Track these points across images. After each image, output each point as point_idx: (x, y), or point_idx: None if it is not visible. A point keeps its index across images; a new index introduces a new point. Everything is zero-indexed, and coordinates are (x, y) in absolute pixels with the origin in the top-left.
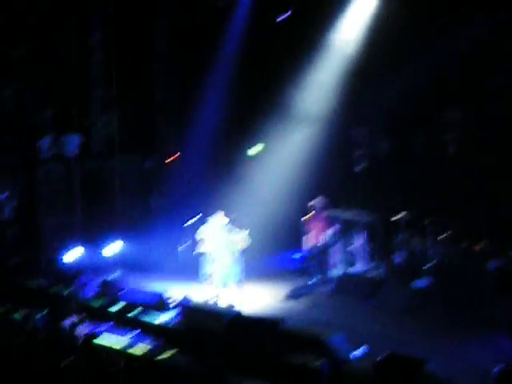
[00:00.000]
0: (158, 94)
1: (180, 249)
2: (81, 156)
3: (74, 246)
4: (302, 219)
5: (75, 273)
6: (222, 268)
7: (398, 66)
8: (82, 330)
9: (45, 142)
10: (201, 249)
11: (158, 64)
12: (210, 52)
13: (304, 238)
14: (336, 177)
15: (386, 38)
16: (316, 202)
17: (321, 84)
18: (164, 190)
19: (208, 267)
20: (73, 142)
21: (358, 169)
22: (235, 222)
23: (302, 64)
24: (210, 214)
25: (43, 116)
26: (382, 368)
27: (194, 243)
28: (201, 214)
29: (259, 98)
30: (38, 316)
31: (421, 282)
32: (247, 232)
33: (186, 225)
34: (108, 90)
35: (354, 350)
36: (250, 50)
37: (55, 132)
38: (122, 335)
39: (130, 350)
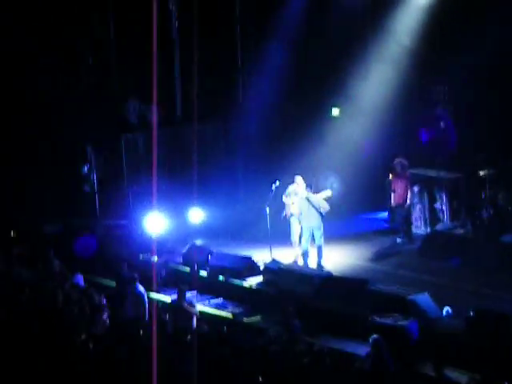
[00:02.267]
0: (237, 58)
1: (267, 212)
2: (162, 123)
3: (159, 214)
4: (387, 179)
5: (163, 240)
6: (308, 230)
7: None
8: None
9: (130, 109)
10: (287, 212)
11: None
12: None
13: (389, 197)
14: (419, 134)
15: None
16: (398, 160)
17: None
18: (247, 152)
19: (295, 230)
20: (153, 110)
21: (440, 126)
22: (317, 184)
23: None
24: (293, 176)
25: (124, 85)
26: (474, 324)
27: (280, 207)
28: (280, 180)
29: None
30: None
31: (509, 238)
32: (330, 192)
33: (272, 187)
34: (187, 55)
35: (441, 308)
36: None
37: (137, 100)
38: (211, 299)
39: (219, 313)
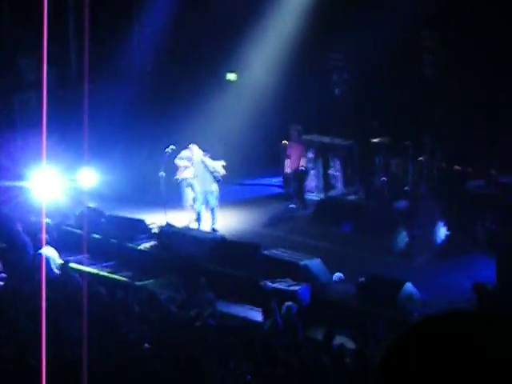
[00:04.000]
0: (132, 19)
1: (161, 175)
2: (56, 84)
3: (51, 175)
4: (281, 145)
5: (55, 201)
6: (203, 194)
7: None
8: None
9: (23, 66)
10: (181, 175)
11: None
12: None
13: (283, 163)
14: (314, 101)
15: None
16: (294, 127)
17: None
18: (142, 115)
19: (188, 194)
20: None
21: (335, 93)
22: (211, 150)
23: None
24: (188, 141)
25: (18, 42)
26: (364, 289)
27: (174, 171)
28: (174, 144)
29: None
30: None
31: (401, 204)
32: (222, 163)
33: (166, 151)
34: (80, 17)
35: (333, 274)
36: None
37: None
38: (103, 263)
39: (113, 276)
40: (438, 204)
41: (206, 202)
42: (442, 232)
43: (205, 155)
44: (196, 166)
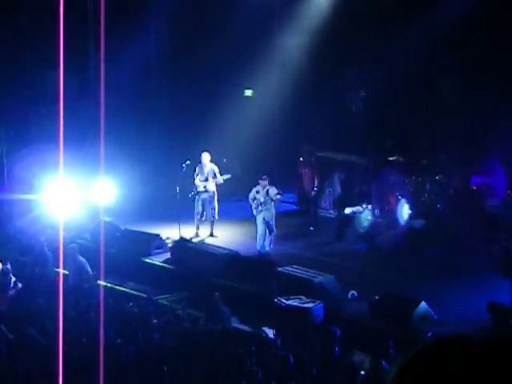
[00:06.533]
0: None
1: (177, 190)
2: (73, 95)
3: (67, 188)
4: (297, 161)
5: (70, 214)
6: (264, 223)
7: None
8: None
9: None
10: (197, 190)
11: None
12: None
13: (297, 181)
14: (330, 118)
15: None
16: (305, 147)
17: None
18: (159, 129)
19: (204, 208)
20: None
21: (352, 110)
22: (226, 165)
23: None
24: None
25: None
26: (378, 308)
27: (188, 185)
28: (190, 160)
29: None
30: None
31: (416, 223)
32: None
33: (183, 166)
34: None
35: (347, 292)
36: None
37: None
38: (122, 277)
39: (130, 291)
40: (400, 181)
41: (269, 227)
42: (404, 211)
43: (270, 186)
44: (262, 196)
